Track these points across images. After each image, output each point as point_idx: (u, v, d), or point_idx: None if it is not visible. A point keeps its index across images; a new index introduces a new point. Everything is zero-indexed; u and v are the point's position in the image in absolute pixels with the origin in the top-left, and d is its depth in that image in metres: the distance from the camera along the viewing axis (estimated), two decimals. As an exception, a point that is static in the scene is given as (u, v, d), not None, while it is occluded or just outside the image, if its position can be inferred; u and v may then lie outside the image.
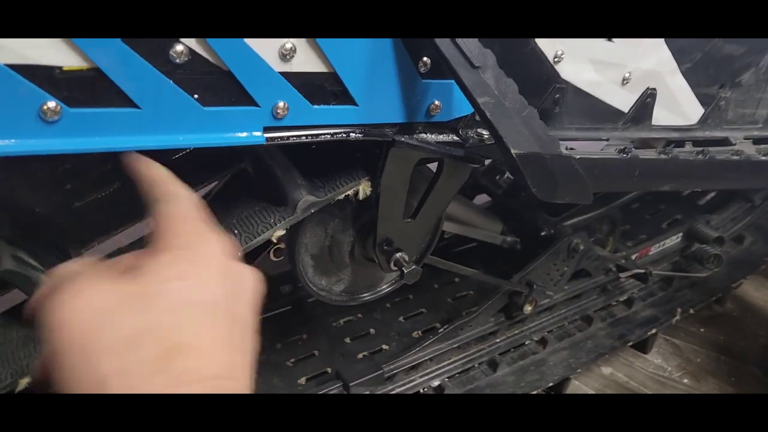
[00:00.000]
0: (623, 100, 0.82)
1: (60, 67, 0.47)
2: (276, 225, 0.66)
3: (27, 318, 0.38)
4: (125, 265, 0.39)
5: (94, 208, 0.74)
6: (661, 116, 0.87)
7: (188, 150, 0.77)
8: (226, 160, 0.76)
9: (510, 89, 0.60)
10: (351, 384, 1.00)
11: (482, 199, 1.34)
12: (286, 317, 1.16)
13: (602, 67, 0.77)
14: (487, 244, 1.15)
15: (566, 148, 0.65)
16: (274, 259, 0.79)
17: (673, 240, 1.36)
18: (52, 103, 0.47)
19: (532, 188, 0.62)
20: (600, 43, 0.75)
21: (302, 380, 1.03)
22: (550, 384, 1.15)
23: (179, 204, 0.42)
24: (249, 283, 0.42)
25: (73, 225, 0.72)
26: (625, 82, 0.80)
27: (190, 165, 0.78)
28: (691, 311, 1.36)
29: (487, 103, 0.59)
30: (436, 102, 0.66)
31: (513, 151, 0.60)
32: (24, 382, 0.60)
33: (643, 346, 1.32)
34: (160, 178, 0.45)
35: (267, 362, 1.05)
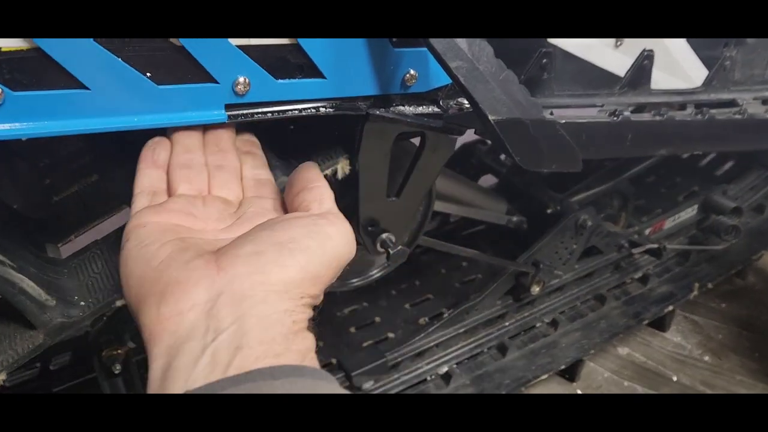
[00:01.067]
0: (618, 63, 0.78)
1: (-2, 49, 0.45)
2: (252, 208, 0.64)
3: None
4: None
5: (73, 201, 0.73)
6: (660, 79, 0.82)
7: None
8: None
9: (485, 52, 0.57)
10: (353, 373, 0.98)
11: (489, 180, 1.31)
12: (290, 309, 1.15)
13: (592, 28, 0.73)
14: (497, 226, 1.12)
15: (550, 113, 0.62)
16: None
17: (689, 213, 1.30)
18: (-9, 87, 0.45)
19: (514, 156, 0.59)
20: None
21: (306, 372, 1.01)
22: (563, 366, 1.11)
23: None
24: None
25: (51, 219, 0.71)
26: (618, 43, 0.76)
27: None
28: (710, 286, 1.31)
29: (459, 67, 0.55)
30: (412, 72, 0.63)
31: (491, 117, 0.57)
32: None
33: (660, 324, 1.28)
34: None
35: (271, 355, 1.03)
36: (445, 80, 0.65)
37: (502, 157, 1.27)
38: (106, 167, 0.74)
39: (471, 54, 0.56)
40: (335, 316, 1.13)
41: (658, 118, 0.72)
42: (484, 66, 0.57)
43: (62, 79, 0.48)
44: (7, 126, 0.47)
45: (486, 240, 1.30)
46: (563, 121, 0.61)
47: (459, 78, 0.56)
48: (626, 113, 0.68)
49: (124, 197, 0.72)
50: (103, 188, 0.73)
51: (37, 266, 0.61)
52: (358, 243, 0.75)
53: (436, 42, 0.55)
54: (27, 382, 0.90)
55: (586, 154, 0.62)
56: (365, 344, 1.06)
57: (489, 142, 1.27)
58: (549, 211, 1.13)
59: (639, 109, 0.78)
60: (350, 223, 0.73)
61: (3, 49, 0.45)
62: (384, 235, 0.71)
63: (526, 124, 0.58)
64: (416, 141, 0.72)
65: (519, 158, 0.59)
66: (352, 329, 1.10)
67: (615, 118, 0.68)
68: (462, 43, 0.56)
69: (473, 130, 0.69)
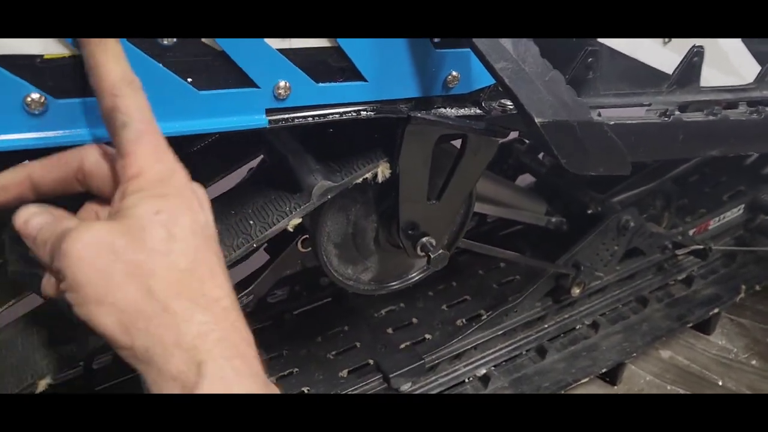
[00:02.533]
0: (666, 61, 0.75)
1: (41, 56, 0.45)
2: (291, 213, 0.63)
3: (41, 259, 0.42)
4: (91, 217, 0.45)
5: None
6: (710, 77, 0.79)
7: (205, 143, 0.75)
8: (242, 150, 0.74)
9: (530, 52, 0.55)
10: (391, 376, 0.97)
11: (526, 180, 1.29)
12: (326, 309, 1.14)
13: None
14: (536, 226, 1.10)
15: (598, 114, 0.60)
16: (302, 250, 0.77)
17: (735, 213, 1.26)
18: (35, 95, 0.45)
19: (560, 160, 0.57)
20: (635, -2, 0.68)
21: (344, 373, 1.01)
22: (603, 370, 1.09)
23: (142, 132, 0.41)
24: (206, 200, 0.45)
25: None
26: (667, 40, 0.73)
27: (208, 156, 0.76)
28: (757, 288, 1.26)
29: (504, 68, 0.54)
30: (454, 73, 0.61)
31: (536, 120, 0.55)
32: (43, 383, 0.59)
33: (705, 327, 1.24)
34: (122, 92, 0.41)
35: (308, 356, 1.04)
36: (488, 81, 0.64)
37: (541, 156, 1.24)
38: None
39: (516, 54, 0.54)
40: (372, 316, 1.13)
41: (711, 117, 0.69)
42: (530, 66, 0.55)
43: (105, 85, 0.47)
44: (50, 134, 0.47)
45: (524, 240, 1.28)
46: (612, 122, 0.59)
47: (504, 79, 0.54)
48: (677, 113, 0.66)
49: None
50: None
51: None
52: (396, 246, 0.74)
53: (479, 42, 0.53)
54: (71, 380, 0.91)
55: (634, 156, 0.60)
56: (402, 345, 1.05)
57: (526, 141, 1.25)
58: (590, 211, 1.10)
59: (688, 107, 0.75)
60: (391, 226, 0.73)
61: (45, 56, 0.45)
62: (424, 239, 0.70)
63: (573, 126, 0.56)
64: (457, 143, 0.71)
65: (565, 161, 0.57)
66: (390, 330, 1.09)
67: (666, 119, 0.65)
68: (507, 43, 0.54)
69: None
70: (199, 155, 0.76)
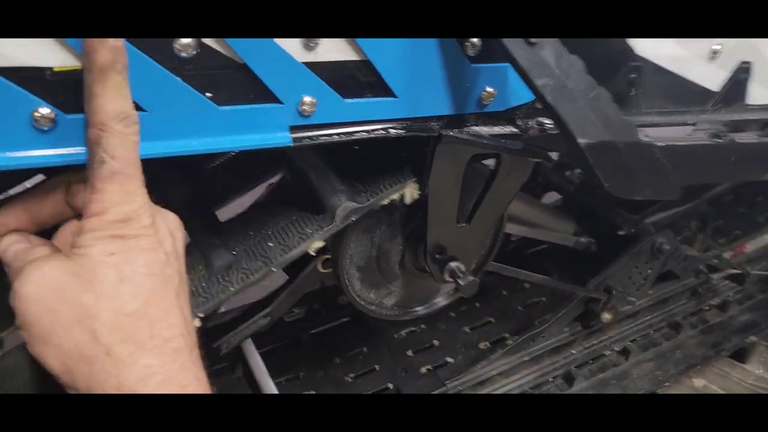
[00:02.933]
0: (712, 78, 0.71)
1: (50, 68, 0.41)
2: (313, 235, 0.60)
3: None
4: (66, 241, 0.45)
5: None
6: (758, 94, 0.75)
7: (222, 159, 0.72)
8: (263, 167, 0.71)
9: (574, 68, 0.51)
10: (412, 402, 0.92)
11: (552, 197, 1.24)
12: (345, 329, 1.10)
13: (686, 39, 0.66)
14: (562, 245, 1.06)
15: (645, 136, 0.55)
16: (323, 271, 0.73)
17: (774, 235, 1.21)
18: (45, 110, 0.42)
19: (604, 183, 0.53)
20: (682, 11, 0.64)
21: (362, 397, 0.97)
22: (635, 400, 1.03)
23: (116, 172, 0.41)
24: (178, 231, 0.46)
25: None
26: (713, 56, 0.69)
27: (226, 173, 0.73)
28: (799, 315, 1.20)
29: (546, 85, 0.50)
30: (489, 89, 0.57)
31: (579, 141, 0.51)
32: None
33: (741, 355, 1.18)
34: (110, 128, 0.40)
35: (325, 378, 1.00)
36: (525, 98, 0.60)
37: (569, 173, 1.20)
38: (163, 187, 0.71)
39: (559, 70, 0.51)
40: (392, 338, 1.08)
41: (765, 139, 0.65)
42: (574, 83, 0.51)
43: (119, 100, 0.44)
44: (60, 151, 0.44)
45: (550, 260, 1.23)
46: (660, 144, 0.55)
47: (545, 96, 0.50)
48: (730, 135, 0.61)
49: (181, 218, 0.69)
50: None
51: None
52: (422, 270, 0.70)
53: (520, 57, 0.50)
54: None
55: (683, 180, 0.56)
56: (423, 369, 1.01)
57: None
58: (622, 233, 1.05)
59: (736, 126, 0.70)
60: (417, 249, 0.69)
61: (55, 69, 0.42)
62: (453, 264, 0.66)
63: (619, 147, 0.52)
64: (489, 162, 0.67)
65: (609, 185, 0.53)
66: (410, 352, 1.05)
67: (717, 140, 0.61)
68: (549, 57, 0.50)
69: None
70: (216, 172, 0.73)
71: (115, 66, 0.40)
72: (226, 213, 0.73)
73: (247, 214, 0.67)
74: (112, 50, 0.40)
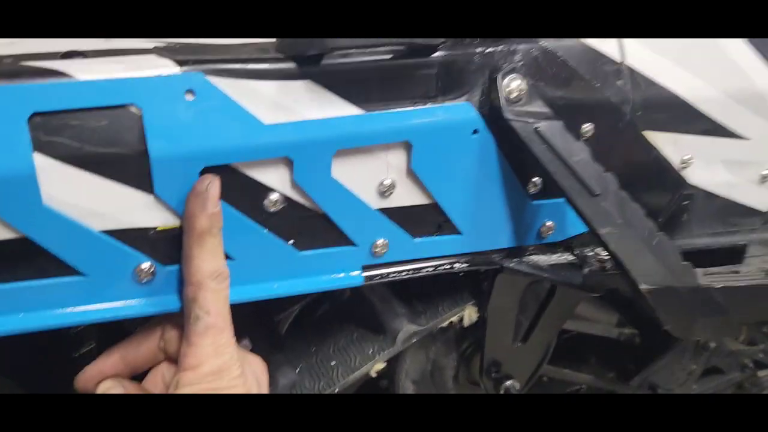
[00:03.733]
0: (762, 199, 0.72)
1: (154, 228, 0.45)
2: (375, 357, 0.62)
3: None
4: (157, 383, 0.48)
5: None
6: (807, 212, 0.76)
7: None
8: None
9: (636, 215, 0.53)
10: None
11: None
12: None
13: (737, 167, 0.68)
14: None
15: (704, 275, 0.57)
16: (374, 376, 0.75)
17: (822, 329, 1.19)
18: (146, 264, 0.45)
19: (664, 326, 0.54)
20: (733, 142, 0.66)
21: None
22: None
23: (210, 327, 0.44)
24: (263, 376, 0.50)
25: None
26: (763, 180, 0.71)
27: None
28: None
29: (610, 233, 0.52)
30: (549, 223, 0.60)
31: (642, 287, 0.53)
32: None
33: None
34: (206, 286, 0.44)
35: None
36: (582, 228, 0.62)
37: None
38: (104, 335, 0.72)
39: (621, 218, 0.53)
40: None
41: (821, 275, 0.66)
42: (636, 230, 0.53)
43: (210, 251, 0.48)
44: (156, 299, 0.47)
45: (589, 345, 1.23)
46: (719, 285, 0.56)
47: (609, 244, 0.52)
48: (786, 272, 0.63)
49: (245, 327, 0.71)
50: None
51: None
52: (476, 384, 0.72)
53: (584, 207, 0.52)
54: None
55: (742, 319, 0.57)
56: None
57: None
58: (667, 327, 1.05)
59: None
60: (471, 364, 0.71)
61: (159, 228, 0.45)
62: (508, 383, 0.67)
63: (680, 291, 0.54)
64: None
65: (669, 327, 0.55)
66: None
67: (773, 278, 0.62)
68: (611, 207, 0.53)
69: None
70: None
71: (211, 231, 0.44)
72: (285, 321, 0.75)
73: (305, 325, 0.70)
74: (210, 217, 0.43)
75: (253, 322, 0.71)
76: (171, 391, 0.44)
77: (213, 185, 0.43)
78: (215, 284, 0.44)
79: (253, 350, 0.68)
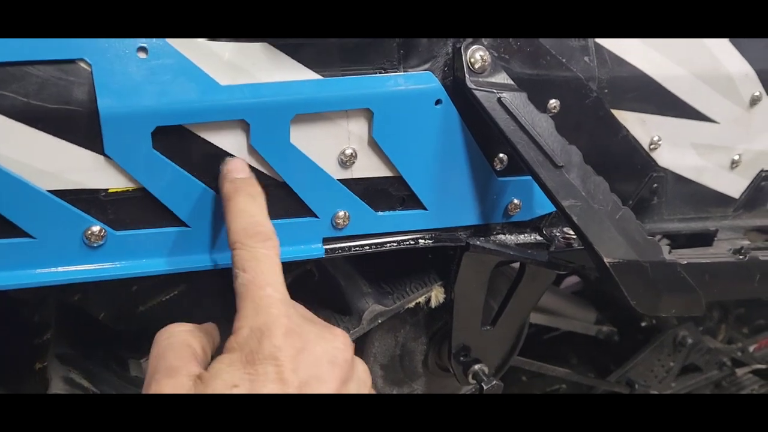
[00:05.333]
0: (733, 185, 0.73)
1: (106, 190, 0.44)
2: (340, 337, 0.60)
3: None
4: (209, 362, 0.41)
5: (158, 313, 0.72)
6: (778, 200, 0.76)
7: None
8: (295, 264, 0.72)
9: (600, 189, 0.53)
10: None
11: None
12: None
13: (707, 150, 0.68)
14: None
15: (669, 251, 0.57)
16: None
17: (799, 328, 1.19)
18: (96, 228, 0.44)
19: (630, 301, 0.54)
20: (703, 125, 0.66)
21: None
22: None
23: (247, 286, 0.40)
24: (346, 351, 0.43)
25: (135, 332, 0.69)
26: (734, 165, 0.71)
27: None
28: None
29: (573, 206, 0.52)
30: (516, 201, 0.59)
31: (606, 260, 0.52)
32: None
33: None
34: (241, 245, 0.42)
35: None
36: (550, 208, 0.61)
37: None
38: (193, 278, 0.73)
39: (585, 191, 0.52)
40: None
41: (789, 255, 0.66)
42: (599, 204, 0.53)
43: (163, 217, 0.47)
44: (108, 265, 0.46)
45: (569, 345, 1.22)
46: (684, 261, 0.56)
47: (572, 217, 0.52)
48: (754, 252, 0.62)
49: (211, 311, 0.71)
50: (189, 300, 0.72)
51: (120, 390, 0.59)
52: (445, 369, 0.71)
53: (547, 179, 0.51)
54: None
55: (708, 296, 0.57)
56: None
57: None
58: (643, 324, 1.05)
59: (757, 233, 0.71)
60: (441, 349, 0.70)
61: (110, 191, 0.44)
62: (477, 367, 0.66)
63: (645, 266, 0.53)
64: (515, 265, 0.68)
65: (635, 302, 0.54)
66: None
67: (741, 257, 0.62)
68: (575, 179, 0.52)
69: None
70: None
71: (238, 194, 0.44)
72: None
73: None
74: (233, 182, 0.44)
75: (219, 303, 0.70)
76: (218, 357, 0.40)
77: (233, 158, 0.46)
78: (251, 242, 0.42)
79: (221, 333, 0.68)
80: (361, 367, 0.44)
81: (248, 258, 0.41)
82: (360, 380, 0.43)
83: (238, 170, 0.46)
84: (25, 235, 0.43)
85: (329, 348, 0.41)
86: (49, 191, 0.42)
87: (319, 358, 0.40)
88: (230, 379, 0.37)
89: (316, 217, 0.52)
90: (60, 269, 0.44)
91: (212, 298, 0.72)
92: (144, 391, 0.39)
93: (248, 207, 0.44)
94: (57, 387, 0.53)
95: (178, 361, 0.40)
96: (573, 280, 1.25)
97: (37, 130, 0.41)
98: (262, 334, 0.39)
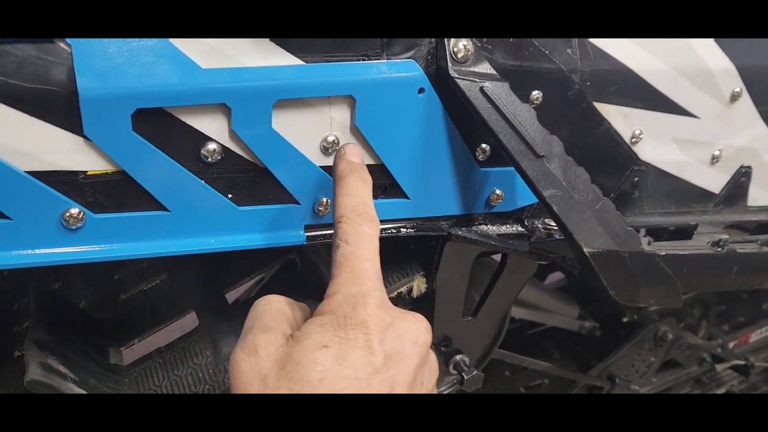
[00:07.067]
0: (713, 181, 0.73)
1: (85, 172, 0.44)
2: (322, 326, 0.60)
3: None
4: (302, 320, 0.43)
5: (140, 301, 0.72)
6: (758, 196, 0.77)
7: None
8: (274, 252, 0.72)
9: (580, 179, 0.53)
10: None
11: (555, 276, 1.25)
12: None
13: (688, 145, 0.69)
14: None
15: (649, 243, 0.57)
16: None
17: (777, 325, 1.21)
18: (74, 210, 0.44)
19: (609, 291, 0.54)
20: (684, 120, 0.67)
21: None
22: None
23: (347, 256, 0.42)
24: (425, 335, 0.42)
25: (116, 321, 0.69)
26: (714, 160, 0.72)
27: (237, 258, 0.74)
28: (804, 409, 1.19)
29: (553, 195, 0.52)
30: (498, 191, 0.60)
31: (585, 250, 0.52)
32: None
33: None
34: (346, 219, 0.44)
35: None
36: (532, 199, 0.62)
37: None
38: (175, 266, 0.73)
39: (566, 181, 0.53)
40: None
41: (766, 249, 0.66)
42: (580, 194, 0.53)
43: (143, 201, 0.47)
44: (86, 248, 0.46)
45: (552, 340, 1.23)
46: (663, 252, 0.56)
47: (552, 206, 0.52)
48: (731, 244, 0.63)
49: (192, 300, 0.70)
50: (170, 289, 0.71)
51: (98, 376, 0.59)
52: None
53: (528, 168, 0.52)
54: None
55: (687, 287, 0.57)
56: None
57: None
58: (625, 319, 1.06)
59: (736, 227, 0.72)
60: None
61: (89, 173, 0.44)
62: (458, 357, 0.67)
63: (624, 256, 0.54)
64: (496, 257, 0.69)
65: (614, 292, 0.55)
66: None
67: (719, 249, 0.62)
68: (556, 169, 0.53)
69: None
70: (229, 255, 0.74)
71: (352, 174, 0.46)
72: (233, 296, 0.75)
73: (252, 298, 0.69)
74: (348, 162, 0.47)
75: (200, 293, 0.70)
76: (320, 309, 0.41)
77: (351, 143, 0.50)
78: (357, 219, 0.44)
79: (200, 323, 0.68)
80: (433, 356, 0.45)
81: (352, 232, 0.43)
82: (432, 368, 0.45)
83: (354, 154, 0.48)
84: (2, 216, 0.42)
85: (413, 329, 0.42)
86: (26, 172, 0.42)
87: (403, 336, 0.41)
88: (321, 339, 0.39)
89: (298, 203, 0.52)
90: (37, 251, 0.44)
91: (192, 287, 0.72)
92: (238, 343, 0.40)
93: (359, 188, 0.46)
94: (34, 372, 0.52)
95: (273, 322, 0.41)
96: (557, 276, 1.26)
97: (14, 110, 0.40)
98: (356, 301, 0.40)
